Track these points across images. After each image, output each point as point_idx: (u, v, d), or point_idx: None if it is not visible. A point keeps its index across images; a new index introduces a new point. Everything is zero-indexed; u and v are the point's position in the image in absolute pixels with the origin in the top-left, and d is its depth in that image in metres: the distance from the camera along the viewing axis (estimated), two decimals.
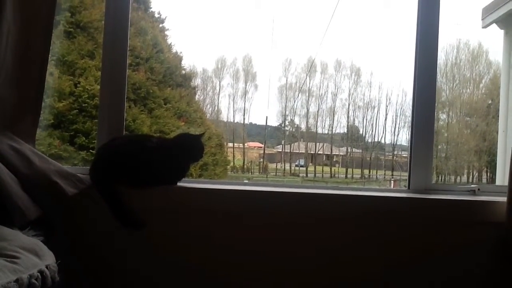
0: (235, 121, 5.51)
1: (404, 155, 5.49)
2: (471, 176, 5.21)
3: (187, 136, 1.68)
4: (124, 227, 1.48)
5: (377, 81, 5.30)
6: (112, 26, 1.72)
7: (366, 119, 5.48)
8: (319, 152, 5.70)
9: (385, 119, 5.37)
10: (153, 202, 1.57)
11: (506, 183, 1.53)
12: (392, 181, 5.64)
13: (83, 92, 4.11)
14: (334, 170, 5.81)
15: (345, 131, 5.67)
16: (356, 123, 5.61)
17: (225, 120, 5.55)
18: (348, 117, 5.49)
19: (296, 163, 5.78)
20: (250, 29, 4.71)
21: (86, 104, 4.10)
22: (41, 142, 3.62)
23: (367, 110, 5.40)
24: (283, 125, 5.69)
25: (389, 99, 5.28)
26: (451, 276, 1.59)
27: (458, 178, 5.22)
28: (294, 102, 5.44)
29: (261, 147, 5.77)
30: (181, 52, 5.06)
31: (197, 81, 5.26)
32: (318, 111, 5.45)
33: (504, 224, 1.50)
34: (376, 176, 5.77)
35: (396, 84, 5.33)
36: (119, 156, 1.54)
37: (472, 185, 1.73)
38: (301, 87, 5.33)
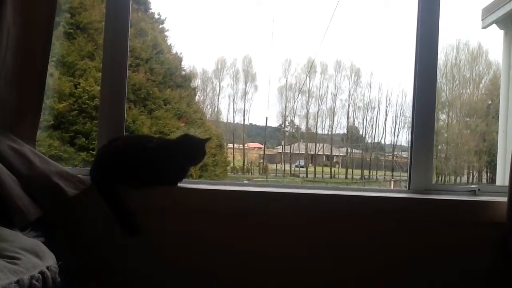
0: (235, 122, 5.52)
1: (404, 156, 5.49)
2: (471, 177, 5.21)
3: (190, 138, 1.63)
4: (121, 229, 1.49)
5: (377, 81, 5.31)
6: (112, 27, 1.72)
7: (366, 120, 5.49)
8: (319, 153, 5.70)
9: (385, 120, 5.38)
10: (154, 203, 1.57)
11: (507, 183, 1.53)
12: (392, 182, 5.64)
13: (83, 93, 4.12)
14: (334, 170, 5.81)
15: (345, 131, 5.68)
16: (356, 124, 5.62)
17: (225, 121, 5.55)
18: (348, 117, 5.50)
19: (296, 164, 5.79)
20: (250, 30, 4.72)
21: (86, 105, 4.10)
22: (41, 143, 3.62)
23: (367, 111, 5.41)
24: (283, 125, 5.70)
25: (389, 100, 5.29)
26: (451, 276, 1.58)
27: (458, 178, 5.22)
28: (294, 102, 5.45)
29: (261, 147, 5.77)
30: (181, 53, 5.07)
31: (197, 82, 5.27)
32: (318, 112, 5.46)
33: (505, 225, 1.50)
34: (376, 176, 5.78)
35: (396, 85, 5.34)
36: (120, 157, 1.54)
37: (473, 186, 1.73)
38: (301, 87, 5.34)
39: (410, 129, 1.79)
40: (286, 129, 5.72)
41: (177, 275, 1.58)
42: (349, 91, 5.30)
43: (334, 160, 5.84)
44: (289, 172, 5.69)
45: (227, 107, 5.43)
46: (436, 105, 1.77)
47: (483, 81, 5.09)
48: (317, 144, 5.69)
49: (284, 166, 5.73)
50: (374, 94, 5.36)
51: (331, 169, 5.78)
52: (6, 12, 1.44)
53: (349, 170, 5.79)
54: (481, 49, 4.92)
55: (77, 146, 4.02)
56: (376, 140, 5.70)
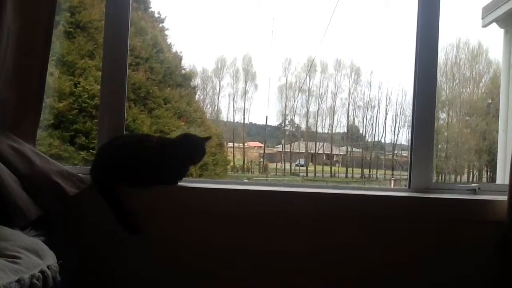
0: (235, 121, 5.51)
1: (404, 155, 5.49)
2: (471, 175, 5.21)
3: (190, 137, 1.64)
4: (122, 229, 1.49)
5: (377, 80, 5.30)
6: (112, 26, 1.72)
7: (366, 119, 5.48)
8: (319, 152, 5.69)
9: (385, 119, 5.37)
10: (153, 202, 1.57)
11: (507, 182, 1.54)
12: (392, 181, 5.64)
13: (83, 92, 4.11)
14: (334, 169, 5.81)
15: (345, 130, 5.67)
16: (356, 123, 5.61)
17: (225, 119, 5.54)
18: (348, 116, 5.49)
19: (296, 163, 5.78)
20: (250, 29, 4.71)
21: (86, 104, 4.10)
22: (41, 142, 3.62)
23: (367, 110, 5.41)
24: (283, 124, 5.69)
25: (389, 99, 5.29)
26: (452, 275, 1.59)
27: (458, 177, 5.21)
28: (294, 101, 5.44)
29: (261, 146, 5.77)
30: (181, 52, 5.06)
31: (197, 81, 5.26)
32: (318, 111, 5.45)
33: (505, 223, 1.50)
34: (376, 175, 5.77)
35: (396, 84, 5.33)
36: (120, 156, 1.54)
37: (473, 184, 1.74)
38: (301, 86, 5.33)
39: (410, 128, 1.79)
40: (286, 128, 5.72)
41: (177, 275, 1.59)
42: (349, 90, 5.29)
43: (334, 159, 5.84)
44: (289, 171, 5.69)
45: (227, 106, 5.43)
46: (436, 104, 1.76)
47: (483, 80, 5.09)
48: (317, 143, 5.68)
49: (284, 165, 5.72)
50: (374, 93, 5.35)
51: (331, 168, 5.78)
52: (6, 12, 1.44)
53: (349, 169, 5.79)
54: (481, 48, 4.91)
55: (77, 145, 4.02)
56: (376, 139, 5.70)
